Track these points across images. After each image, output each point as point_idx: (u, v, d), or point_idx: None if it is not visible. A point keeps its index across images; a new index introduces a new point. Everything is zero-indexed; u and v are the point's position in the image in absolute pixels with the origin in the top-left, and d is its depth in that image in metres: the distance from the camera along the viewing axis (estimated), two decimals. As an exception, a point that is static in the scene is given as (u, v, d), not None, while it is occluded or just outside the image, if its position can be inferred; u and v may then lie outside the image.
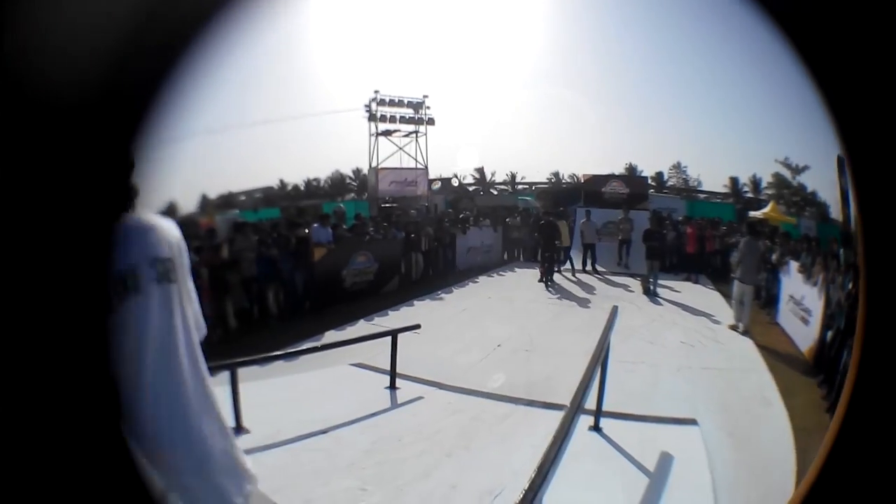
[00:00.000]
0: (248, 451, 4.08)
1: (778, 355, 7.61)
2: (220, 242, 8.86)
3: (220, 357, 5.36)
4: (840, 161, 8.09)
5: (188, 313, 2.01)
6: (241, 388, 4.57)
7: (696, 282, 12.90)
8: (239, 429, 4.43)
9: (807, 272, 8.47)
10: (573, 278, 13.37)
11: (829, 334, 6.88)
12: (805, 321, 7.98)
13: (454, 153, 20.67)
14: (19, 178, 1.05)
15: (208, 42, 1.16)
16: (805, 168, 16.99)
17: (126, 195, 1.24)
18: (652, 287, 11.71)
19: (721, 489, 3.97)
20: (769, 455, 4.69)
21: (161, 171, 1.31)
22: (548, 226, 12.83)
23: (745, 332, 8.65)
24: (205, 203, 10.04)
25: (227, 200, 11.97)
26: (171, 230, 1.99)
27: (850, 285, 6.64)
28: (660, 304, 10.84)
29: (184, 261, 2.02)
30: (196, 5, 1.13)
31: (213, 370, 4.95)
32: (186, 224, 8.61)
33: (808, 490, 1.22)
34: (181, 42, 1.13)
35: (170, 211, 7.98)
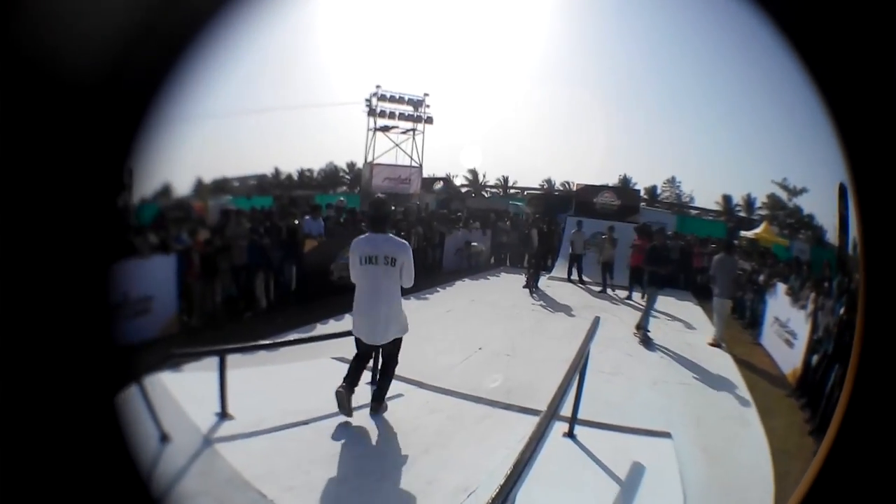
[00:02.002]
0: (232, 438, 4.23)
1: (759, 376, 7.81)
2: (212, 228, 8.91)
3: (208, 342, 5.46)
4: (842, 188, 8.25)
5: (403, 276, 4.95)
6: (227, 375, 4.67)
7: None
8: (224, 415, 4.53)
9: (795, 295, 8.64)
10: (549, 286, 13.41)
11: (815, 358, 6.99)
12: (789, 343, 8.13)
13: (452, 151, 20.57)
14: (28, 157, 1.12)
15: (215, 31, 1.23)
16: (803, 191, 16.99)
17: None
18: (646, 326, 9.18)
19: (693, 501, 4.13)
20: (744, 473, 4.87)
21: (161, 152, 1.34)
22: (538, 233, 12.94)
23: (716, 345, 8.99)
24: (200, 186, 10.02)
25: (222, 185, 11.95)
26: (398, 242, 4.96)
27: (843, 310, 6.75)
28: (654, 350, 8.76)
29: (403, 256, 4.89)
30: None
31: (201, 356, 5.10)
32: (180, 206, 8.66)
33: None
34: (189, 30, 1.20)
35: (166, 192, 8.03)
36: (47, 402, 1.17)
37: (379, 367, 5.11)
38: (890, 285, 1.17)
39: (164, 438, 3.30)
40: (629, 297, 12.17)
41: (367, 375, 5.45)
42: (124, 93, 1.16)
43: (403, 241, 5.03)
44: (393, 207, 5.87)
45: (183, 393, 4.65)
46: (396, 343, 4.96)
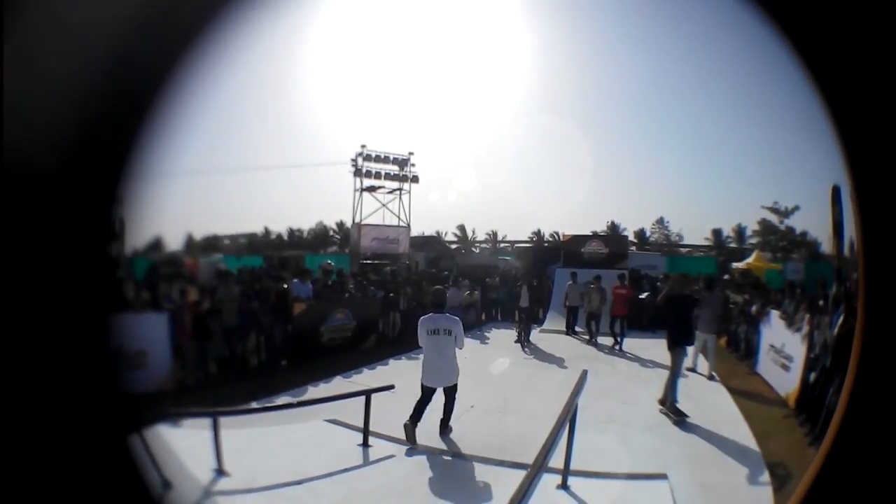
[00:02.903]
0: (229, 493, 4.23)
1: (755, 403, 7.92)
2: (203, 288, 8.99)
3: (202, 403, 5.49)
4: (835, 190, 8.46)
5: (457, 341, 6.55)
6: (222, 434, 4.70)
7: None
8: (220, 471, 4.54)
9: (789, 318, 8.75)
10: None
11: (813, 374, 7.07)
12: (786, 367, 8.23)
13: (439, 209, 20.99)
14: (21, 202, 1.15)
15: (207, 90, 1.30)
16: (795, 209, 17.14)
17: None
18: (673, 397, 7.55)
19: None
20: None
21: (152, 206, 1.37)
22: (528, 287, 13.05)
23: (711, 377, 9.36)
24: (190, 243, 10.17)
25: (212, 243, 12.11)
26: (453, 319, 6.65)
27: (841, 318, 6.78)
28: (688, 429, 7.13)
29: (456, 329, 6.54)
30: (194, 51, 1.24)
31: (196, 416, 5.12)
32: (171, 262, 8.76)
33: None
34: (180, 87, 1.24)
35: (157, 246, 8.14)
36: (52, 438, 1.20)
37: (444, 403, 6.66)
38: (889, 287, 1.19)
39: (167, 485, 3.30)
40: (617, 347, 12.25)
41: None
42: (114, 140, 1.20)
43: (455, 317, 6.78)
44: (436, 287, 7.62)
45: (181, 447, 4.66)
46: (454, 386, 6.64)
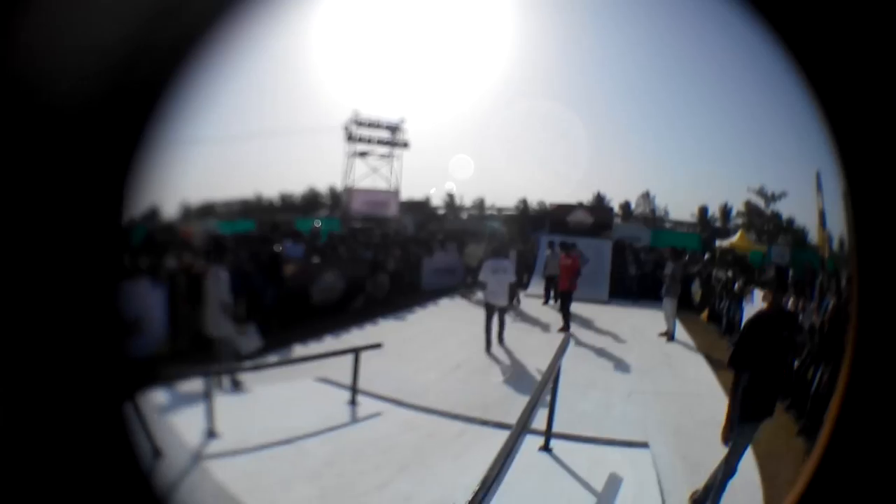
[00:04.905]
0: (219, 455, 4.39)
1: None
2: (198, 253, 9.04)
3: (195, 364, 5.62)
4: (818, 177, 8.51)
5: (509, 276, 9.52)
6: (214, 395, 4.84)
7: None
8: (212, 433, 4.70)
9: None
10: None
11: (798, 360, 6.89)
12: None
13: (429, 175, 20.82)
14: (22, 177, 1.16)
15: (198, 60, 1.28)
16: (782, 195, 17.00)
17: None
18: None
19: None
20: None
21: (149, 175, 1.34)
22: (515, 253, 13.18)
23: (666, 335, 10.03)
24: (186, 211, 10.17)
25: (207, 210, 12.10)
26: (508, 262, 9.80)
27: (830, 307, 6.81)
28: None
29: (510, 267, 9.79)
30: (188, 26, 1.24)
31: (189, 376, 5.25)
32: (168, 230, 8.79)
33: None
34: (173, 61, 1.24)
35: (153, 216, 8.17)
36: (48, 408, 1.22)
37: (499, 321, 9.42)
38: (884, 281, 1.18)
39: (157, 453, 3.46)
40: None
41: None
42: (117, 116, 1.20)
43: (509, 260, 9.96)
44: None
45: (174, 411, 4.81)
46: (507, 306, 9.57)
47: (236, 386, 6.44)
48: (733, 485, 4.27)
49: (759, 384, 4.33)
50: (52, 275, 1.20)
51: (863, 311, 1.22)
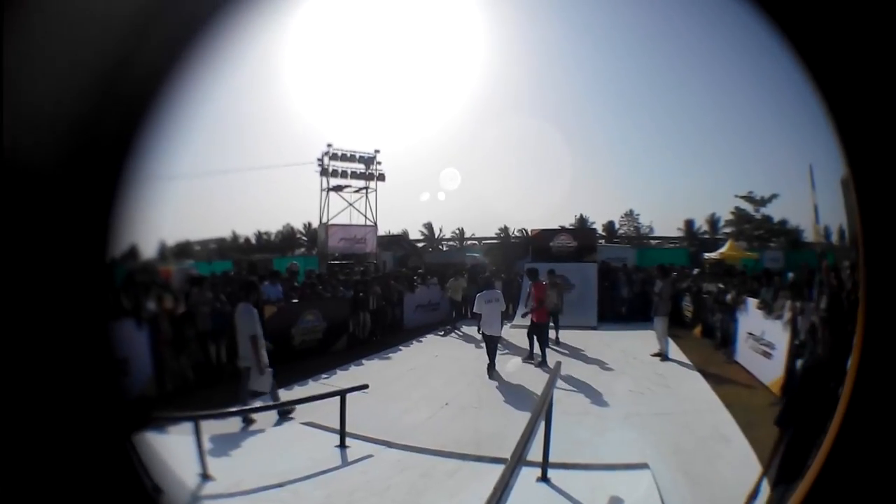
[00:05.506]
0: (214, 498, 4.25)
1: (737, 392, 7.90)
2: (178, 294, 8.91)
3: (183, 408, 5.47)
4: (811, 171, 8.56)
5: (501, 306, 10.00)
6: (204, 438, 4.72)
7: None
8: (205, 476, 4.55)
9: (768, 307, 8.70)
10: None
11: (800, 362, 6.92)
12: (767, 355, 8.15)
13: (406, 208, 20.84)
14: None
15: (172, 93, 1.30)
16: (773, 198, 16.94)
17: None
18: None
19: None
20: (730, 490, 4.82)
21: (128, 213, 1.36)
22: (504, 286, 13.20)
23: (659, 356, 10.03)
24: (164, 250, 10.02)
25: (184, 249, 11.95)
26: (498, 293, 10.17)
27: (828, 306, 6.56)
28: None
29: (501, 298, 10.10)
30: (165, 58, 1.27)
31: (176, 421, 5.10)
32: (146, 270, 8.64)
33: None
34: (148, 92, 1.27)
35: (132, 255, 8.03)
36: (49, 441, 1.22)
37: (488, 350, 9.79)
38: (891, 279, 1.18)
39: (158, 491, 3.33)
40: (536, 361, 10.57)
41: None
42: (98, 149, 1.22)
43: (498, 290, 10.43)
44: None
45: (166, 453, 4.65)
46: (500, 336, 10.00)
47: (247, 423, 6.41)
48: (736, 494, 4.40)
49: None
50: (40, 313, 1.20)
51: (870, 316, 1.23)
